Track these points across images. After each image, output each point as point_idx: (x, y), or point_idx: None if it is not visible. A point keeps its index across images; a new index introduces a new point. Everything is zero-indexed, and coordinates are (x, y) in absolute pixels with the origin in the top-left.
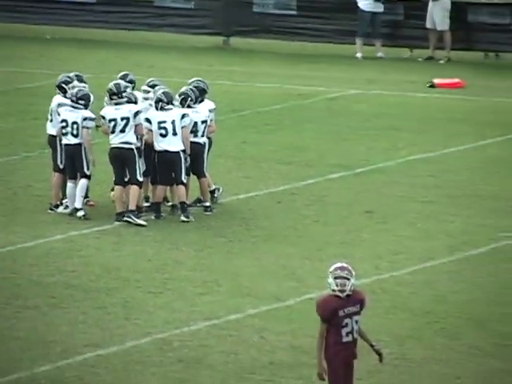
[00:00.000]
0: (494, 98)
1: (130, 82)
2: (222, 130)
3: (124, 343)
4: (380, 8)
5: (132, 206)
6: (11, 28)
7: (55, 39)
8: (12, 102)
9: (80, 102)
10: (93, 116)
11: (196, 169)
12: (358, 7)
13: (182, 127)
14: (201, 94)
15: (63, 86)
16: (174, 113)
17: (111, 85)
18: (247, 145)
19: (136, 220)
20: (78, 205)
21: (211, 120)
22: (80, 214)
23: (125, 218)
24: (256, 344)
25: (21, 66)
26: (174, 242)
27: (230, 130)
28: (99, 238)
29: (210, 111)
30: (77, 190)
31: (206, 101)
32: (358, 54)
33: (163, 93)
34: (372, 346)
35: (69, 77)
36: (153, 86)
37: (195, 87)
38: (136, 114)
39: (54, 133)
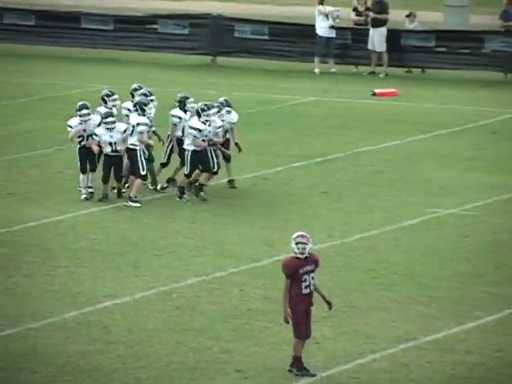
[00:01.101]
0: (421, 103)
1: (145, 94)
2: None
3: (134, 294)
4: (333, 34)
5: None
6: (46, 50)
7: (81, 58)
8: (47, 106)
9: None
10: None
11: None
12: (316, 33)
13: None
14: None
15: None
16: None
17: (140, 100)
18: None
19: (132, 204)
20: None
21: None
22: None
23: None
24: (237, 295)
25: (54, 79)
26: (172, 216)
27: None
28: (115, 213)
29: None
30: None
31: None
32: (316, 70)
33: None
34: (323, 296)
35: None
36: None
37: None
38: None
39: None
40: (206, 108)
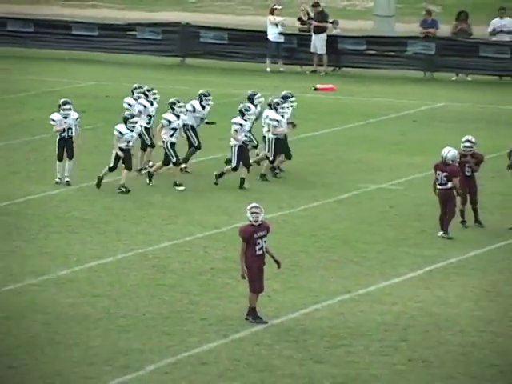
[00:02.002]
0: (354, 97)
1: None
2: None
3: (116, 256)
4: (282, 39)
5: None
6: (43, 52)
7: (72, 59)
8: (44, 100)
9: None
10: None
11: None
12: (267, 39)
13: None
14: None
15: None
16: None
17: (174, 99)
18: None
19: (177, 188)
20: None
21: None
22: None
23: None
24: (202, 256)
25: (49, 77)
26: (148, 191)
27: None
28: (100, 188)
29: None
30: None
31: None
32: (268, 69)
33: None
34: (273, 257)
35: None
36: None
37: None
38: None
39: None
40: (280, 102)
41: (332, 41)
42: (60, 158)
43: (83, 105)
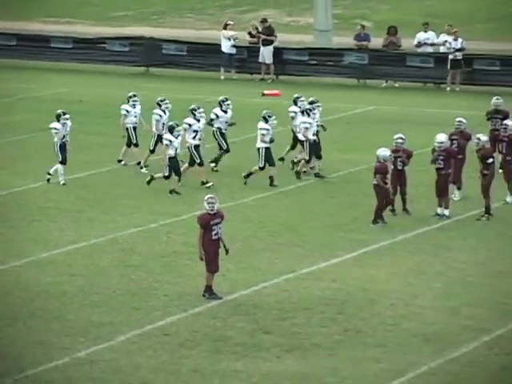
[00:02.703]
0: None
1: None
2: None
3: (89, 240)
4: (234, 51)
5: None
6: (25, 63)
7: (51, 69)
8: (28, 104)
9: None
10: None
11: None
12: (221, 50)
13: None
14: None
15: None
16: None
17: (195, 105)
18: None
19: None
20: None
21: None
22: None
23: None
24: (165, 241)
25: (32, 84)
26: (116, 184)
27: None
28: (74, 182)
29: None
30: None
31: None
32: (222, 77)
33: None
34: (224, 245)
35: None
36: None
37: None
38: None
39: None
40: (312, 108)
41: (278, 52)
42: (65, 162)
43: (60, 108)
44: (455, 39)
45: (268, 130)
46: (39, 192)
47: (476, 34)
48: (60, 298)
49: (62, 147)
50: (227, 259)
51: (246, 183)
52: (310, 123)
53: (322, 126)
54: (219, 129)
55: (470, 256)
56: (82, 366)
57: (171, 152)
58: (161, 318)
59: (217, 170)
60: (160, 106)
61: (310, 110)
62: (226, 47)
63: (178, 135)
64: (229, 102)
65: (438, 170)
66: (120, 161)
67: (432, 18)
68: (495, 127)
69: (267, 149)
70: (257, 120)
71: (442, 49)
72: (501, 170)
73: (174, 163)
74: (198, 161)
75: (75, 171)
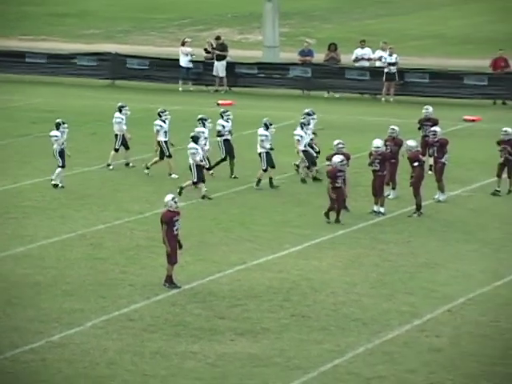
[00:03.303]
0: (249, 110)
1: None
2: (108, 125)
3: (61, 236)
4: (191, 65)
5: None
6: (3, 76)
7: (26, 82)
8: (8, 112)
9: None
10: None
11: None
12: (180, 65)
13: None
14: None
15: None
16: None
17: (203, 115)
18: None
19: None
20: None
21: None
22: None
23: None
24: (129, 236)
25: (11, 95)
26: (86, 185)
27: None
28: (49, 182)
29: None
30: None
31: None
32: (180, 89)
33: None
34: (179, 240)
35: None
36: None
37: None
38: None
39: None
40: (306, 123)
41: (230, 66)
42: (64, 166)
43: (35, 117)
44: (390, 54)
45: (267, 136)
46: (16, 192)
47: (408, 51)
48: (34, 287)
49: (61, 153)
50: (185, 252)
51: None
52: (301, 136)
53: (314, 133)
54: (222, 137)
55: (402, 248)
56: (55, 348)
57: (198, 159)
58: (126, 306)
59: (212, 174)
60: (160, 116)
61: (305, 124)
62: (184, 62)
63: (205, 144)
64: (229, 112)
65: (374, 171)
66: (109, 165)
67: (368, 36)
68: (426, 134)
69: (267, 153)
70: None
71: (377, 63)
72: (430, 172)
73: (201, 170)
74: (207, 166)
75: (48, 173)
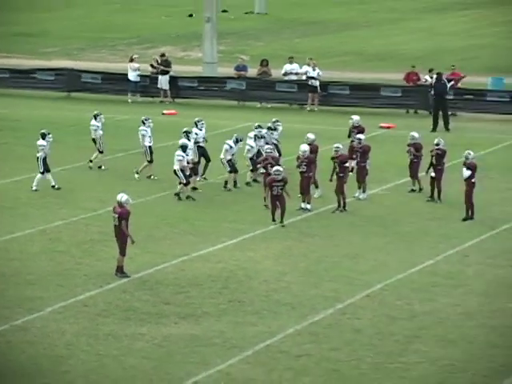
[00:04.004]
0: (191, 120)
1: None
2: (65, 133)
3: (24, 231)
4: (138, 79)
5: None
6: None
7: None
8: None
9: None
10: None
11: None
12: (128, 79)
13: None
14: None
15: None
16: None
17: (187, 128)
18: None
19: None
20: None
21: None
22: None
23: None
24: (84, 230)
25: None
26: (47, 186)
27: (74, 133)
28: (13, 183)
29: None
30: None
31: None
32: (129, 100)
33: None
34: (130, 236)
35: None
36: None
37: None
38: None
39: None
40: (274, 127)
41: (174, 80)
42: (44, 172)
43: (1, 125)
44: (313, 69)
45: (232, 147)
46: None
47: (331, 66)
48: (0, 278)
49: (44, 161)
50: (135, 245)
51: (229, 190)
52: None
53: (276, 145)
54: (197, 143)
55: (327, 241)
56: (18, 331)
57: (184, 164)
58: (81, 293)
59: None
60: (144, 123)
61: (272, 129)
62: (132, 76)
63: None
64: (203, 122)
65: (301, 173)
66: (100, 166)
67: (296, 53)
68: (353, 140)
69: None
70: (158, 134)
71: (304, 77)
72: (351, 173)
73: (185, 172)
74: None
75: (12, 176)
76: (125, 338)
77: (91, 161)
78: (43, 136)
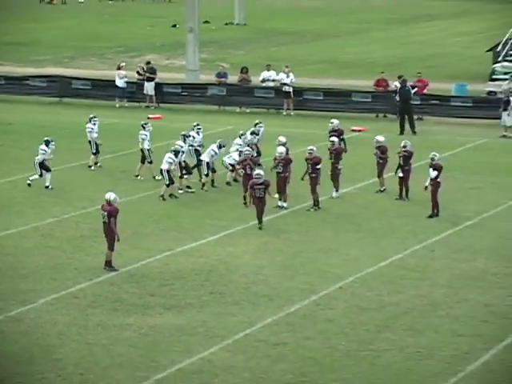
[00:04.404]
0: (175, 123)
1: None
2: (57, 135)
3: (18, 228)
4: (125, 85)
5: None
6: None
7: None
8: None
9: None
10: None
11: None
12: (116, 85)
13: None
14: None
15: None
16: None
17: (185, 132)
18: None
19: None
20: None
21: None
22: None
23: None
24: (75, 227)
25: None
26: (39, 185)
27: (66, 136)
28: (7, 183)
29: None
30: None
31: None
32: (117, 105)
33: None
34: (117, 233)
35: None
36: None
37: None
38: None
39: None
40: (256, 131)
41: (159, 86)
42: (49, 170)
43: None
44: (288, 76)
45: (217, 154)
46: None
47: (306, 73)
48: None
49: (41, 164)
50: (122, 241)
51: (203, 188)
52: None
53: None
54: (192, 147)
55: (302, 237)
56: (12, 322)
57: (172, 167)
58: (72, 286)
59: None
60: (144, 128)
61: (256, 133)
62: (120, 83)
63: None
64: (200, 126)
65: (278, 173)
66: (89, 166)
67: (273, 61)
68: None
69: (208, 162)
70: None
71: (280, 84)
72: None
73: (170, 174)
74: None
75: (5, 177)
76: (113, 328)
77: (90, 166)
78: (47, 143)
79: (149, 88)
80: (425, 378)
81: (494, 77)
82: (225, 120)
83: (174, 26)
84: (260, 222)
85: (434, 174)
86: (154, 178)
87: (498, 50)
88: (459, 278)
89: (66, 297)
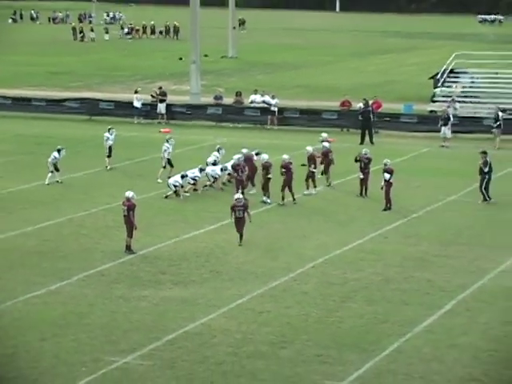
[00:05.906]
0: (181, 136)
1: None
2: (88, 146)
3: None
4: (141, 106)
5: None
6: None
7: (29, 118)
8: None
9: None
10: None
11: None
12: (133, 105)
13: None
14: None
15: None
16: None
17: (220, 145)
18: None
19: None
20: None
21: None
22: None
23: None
24: (102, 219)
25: None
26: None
27: (93, 147)
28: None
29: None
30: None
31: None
32: (135, 122)
33: None
34: (134, 224)
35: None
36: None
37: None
38: None
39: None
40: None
41: (169, 107)
42: (58, 170)
43: (38, 141)
44: (273, 98)
45: (218, 157)
46: (24, 192)
47: (286, 95)
48: (37, 255)
49: (54, 166)
50: (139, 230)
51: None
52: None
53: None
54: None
55: (282, 226)
56: (52, 295)
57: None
58: (99, 265)
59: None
60: (168, 141)
61: (259, 154)
62: (137, 104)
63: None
64: (220, 146)
65: (264, 176)
66: (106, 166)
67: (259, 86)
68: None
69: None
70: (154, 146)
71: (264, 105)
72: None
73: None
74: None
75: (41, 179)
76: (132, 299)
77: (107, 166)
78: (59, 150)
79: (161, 108)
80: (380, 339)
81: (435, 99)
82: (220, 133)
83: (180, 58)
84: (241, 239)
85: (387, 176)
86: (169, 178)
87: (438, 77)
88: (407, 259)
89: (95, 274)
